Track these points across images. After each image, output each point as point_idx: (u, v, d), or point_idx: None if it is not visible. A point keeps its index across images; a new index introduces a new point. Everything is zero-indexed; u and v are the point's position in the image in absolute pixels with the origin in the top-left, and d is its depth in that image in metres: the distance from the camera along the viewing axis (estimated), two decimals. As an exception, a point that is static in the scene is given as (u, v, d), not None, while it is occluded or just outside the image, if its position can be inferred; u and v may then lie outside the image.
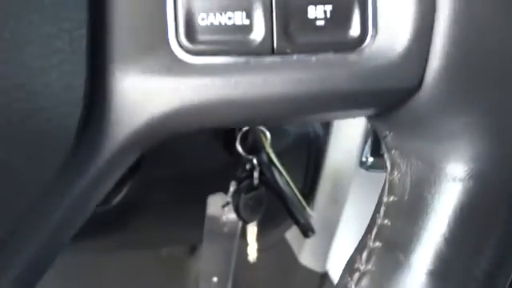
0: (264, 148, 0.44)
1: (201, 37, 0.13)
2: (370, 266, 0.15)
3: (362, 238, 0.17)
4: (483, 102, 0.14)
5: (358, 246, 0.17)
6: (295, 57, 0.13)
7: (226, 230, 0.49)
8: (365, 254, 0.16)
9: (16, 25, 0.11)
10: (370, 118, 0.16)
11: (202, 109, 0.13)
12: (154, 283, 0.88)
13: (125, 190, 0.46)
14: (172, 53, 0.13)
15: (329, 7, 0.13)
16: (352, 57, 0.14)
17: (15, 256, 0.13)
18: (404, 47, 0.14)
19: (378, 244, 0.15)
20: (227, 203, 0.46)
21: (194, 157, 0.48)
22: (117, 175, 0.14)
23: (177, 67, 0.13)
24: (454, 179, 0.14)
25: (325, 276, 0.64)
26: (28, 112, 0.11)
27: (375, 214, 0.16)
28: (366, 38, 0.14)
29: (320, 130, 0.54)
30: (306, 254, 0.64)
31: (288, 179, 0.46)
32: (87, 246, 0.56)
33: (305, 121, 0.15)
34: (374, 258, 0.15)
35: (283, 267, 0.68)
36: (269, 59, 0.13)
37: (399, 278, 0.14)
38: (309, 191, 0.55)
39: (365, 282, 0.15)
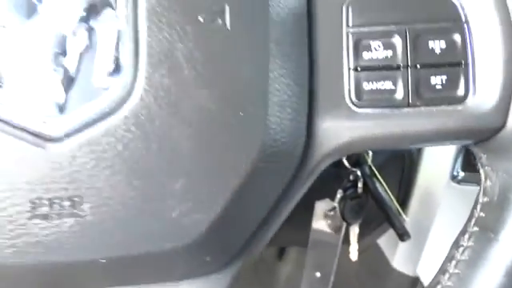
0: (366, 162, 0.53)
1: (365, 96, 0.22)
2: (470, 243, 0.23)
3: (463, 226, 0.25)
4: None
5: (460, 232, 0.25)
6: (423, 108, 0.22)
7: (330, 231, 0.57)
8: (466, 236, 0.24)
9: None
10: (469, 145, 0.24)
11: (366, 139, 0.22)
12: (244, 286, 0.98)
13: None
14: (348, 106, 0.22)
15: (444, 77, 0.22)
16: (459, 107, 0.22)
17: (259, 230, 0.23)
18: (494, 100, 0.22)
19: (475, 229, 0.23)
20: (333, 208, 0.55)
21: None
22: (314, 177, 0.23)
23: (351, 114, 0.22)
24: None
25: (416, 280, 0.70)
26: (273, 141, 0.21)
27: (473, 210, 0.24)
28: (468, 96, 0.22)
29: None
30: (398, 259, 0.70)
31: (386, 188, 0.54)
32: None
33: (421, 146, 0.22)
34: (473, 238, 0.23)
35: (376, 270, 0.75)
36: (406, 110, 0.22)
37: (491, 250, 0.22)
38: (403, 200, 0.62)
39: (467, 252, 0.23)
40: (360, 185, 0.52)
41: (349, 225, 0.56)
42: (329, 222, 0.58)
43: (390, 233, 0.63)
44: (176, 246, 0.20)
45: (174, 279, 0.22)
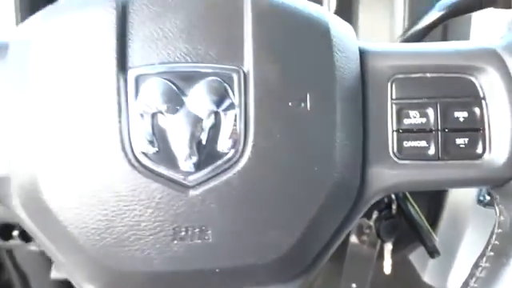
0: (400, 186, 0.59)
1: (404, 151, 0.29)
2: (487, 265, 0.30)
3: (482, 251, 0.31)
4: None
5: (479, 255, 0.32)
6: (449, 162, 0.29)
7: (366, 247, 0.64)
8: (484, 259, 0.30)
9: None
10: (487, 188, 0.31)
11: (405, 184, 0.29)
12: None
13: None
14: (391, 158, 0.29)
15: (466, 139, 0.29)
16: (477, 162, 0.29)
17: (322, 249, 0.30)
18: (504, 157, 0.29)
19: (491, 253, 0.30)
20: (370, 226, 0.61)
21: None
22: (365, 210, 0.30)
23: (394, 165, 0.29)
24: None
25: (445, 293, 0.76)
26: (335, 179, 0.28)
27: (490, 239, 0.31)
28: (484, 153, 0.29)
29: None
30: (428, 274, 0.76)
31: (418, 210, 0.60)
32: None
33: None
34: (489, 261, 0.30)
35: (408, 283, 0.81)
36: (436, 162, 0.29)
37: (503, 271, 0.29)
38: (433, 221, 0.68)
39: (484, 272, 0.30)
40: (394, 207, 0.59)
41: (383, 242, 0.63)
42: (364, 238, 0.64)
43: (421, 250, 0.69)
44: (266, 260, 0.28)
45: (260, 285, 0.30)
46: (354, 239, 0.64)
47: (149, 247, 0.26)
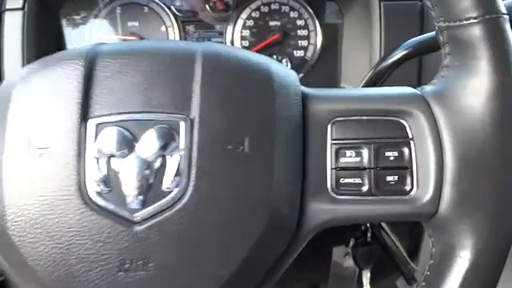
0: (375, 215, 0.61)
1: (341, 187, 0.32)
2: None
3: (417, 282, 0.33)
4: (469, 220, 0.30)
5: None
6: (381, 197, 0.31)
7: (346, 273, 0.66)
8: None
9: None
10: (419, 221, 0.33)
11: (342, 217, 0.32)
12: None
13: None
14: (329, 194, 0.32)
15: (396, 176, 0.31)
16: (406, 197, 0.31)
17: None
18: (429, 194, 0.31)
19: (423, 284, 0.32)
20: (347, 253, 0.63)
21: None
22: (306, 242, 0.33)
23: (331, 199, 0.32)
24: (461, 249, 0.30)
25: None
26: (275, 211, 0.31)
27: (425, 270, 0.33)
28: (412, 189, 0.31)
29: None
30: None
31: (393, 238, 0.62)
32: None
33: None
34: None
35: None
36: (369, 197, 0.31)
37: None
38: (414, 249, 0.70)
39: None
40: (369, 234, 0.61)
41: (361, 269, 0.64)
42: (345, 265, 0.66)
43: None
44: None
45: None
46: (336, 258, 0.66)
47: (97, 278, 0.29)
